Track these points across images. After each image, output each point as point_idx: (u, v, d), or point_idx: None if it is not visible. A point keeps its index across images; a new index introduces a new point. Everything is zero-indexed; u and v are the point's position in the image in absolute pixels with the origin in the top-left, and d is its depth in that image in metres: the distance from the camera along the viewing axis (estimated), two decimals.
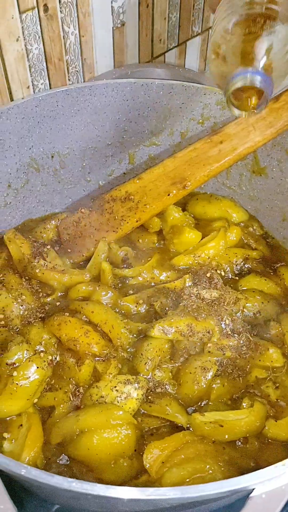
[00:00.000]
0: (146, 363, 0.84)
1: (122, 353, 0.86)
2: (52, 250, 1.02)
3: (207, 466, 0.74)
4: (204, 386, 0.83)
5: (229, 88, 0.71)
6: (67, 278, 0.98)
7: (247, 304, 0.92)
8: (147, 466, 0.74)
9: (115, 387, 0.80)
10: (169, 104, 1.07)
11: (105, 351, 0.85)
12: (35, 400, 0.82)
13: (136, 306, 0.93)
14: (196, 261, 1.00)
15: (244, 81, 0.69)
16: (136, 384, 0.80)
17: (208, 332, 0.85)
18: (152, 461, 0.74)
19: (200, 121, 1.09)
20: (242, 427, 0.78)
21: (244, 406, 0.81)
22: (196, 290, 0.91)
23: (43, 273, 0.98)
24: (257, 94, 0.73)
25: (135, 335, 0.88)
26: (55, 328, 0.88)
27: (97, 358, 0.84)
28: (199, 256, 1.00)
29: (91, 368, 0.83)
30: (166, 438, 0.76)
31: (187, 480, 0.73)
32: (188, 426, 0.79)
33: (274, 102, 0.97)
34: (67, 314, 0.90)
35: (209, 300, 0.91)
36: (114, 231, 1.02)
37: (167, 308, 0.90)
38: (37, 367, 0.81)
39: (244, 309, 0.92)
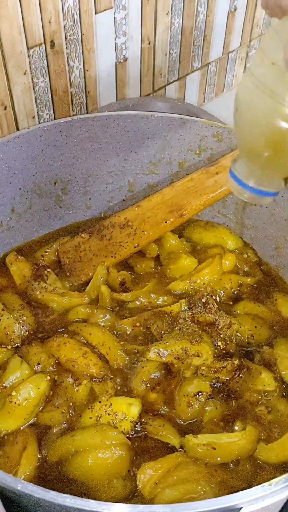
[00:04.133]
0: (140, 385, 0.86)
1: (118, 375, 0.88)
2: (52, 273, 1.05)
3: (199, 487, 0.75)
4: (198, 408, 0.85)
5: None
6: (66, 300, 1.01)
7: (241, 328, 0.95)
8: (140, 487, 0.75)
9: (110, 408, 0.82)
10: (168, 136, 1.12)
11: (102, 372, 0.87)
12: (32, 420, 0.83)
13: (132, 329, 0.95)
14: (191, 287, 1.03)
15: None
16: (131, 406, 0.82)
17: (202, 356, 0.87)
18: (145, 481, 0.75)
19: (197, 152, 1.13)
20: (234, 450, 0.80)
21: (237, 429, 0.83)
22: (191, 314, 0.94)
23: (43, 295, 1.01)
24: None
25: (131, 357, 0.91)
26: (54, 349, 0.90)
27: (94, 379, 0.87)
28: (194, 282, 1.03)
29: (88, 389, 0.85)
30: (159, 459, 0.78)
31: (180, 501, 0.74)
32: (180, 447, 0.81)
33: None
34: (66, 335, 0.93)
35: (204, 324, 0.94)
36: (112, 256, 1.06)
37: (162, 332, 0.92)
38: (35, 387, 0.84)
39: (238, 333, 0.95)
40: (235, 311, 1.01)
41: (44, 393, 0.84)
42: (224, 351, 0.92)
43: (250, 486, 0.76)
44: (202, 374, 0.87)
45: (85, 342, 0.92)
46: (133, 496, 0.77)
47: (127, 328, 0.96)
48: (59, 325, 0.99)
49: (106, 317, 0.97)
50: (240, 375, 0.87)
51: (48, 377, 0.86)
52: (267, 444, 0.82)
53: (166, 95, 1.44)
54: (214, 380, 0.87)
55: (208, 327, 0.94)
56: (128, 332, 0.96)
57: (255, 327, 0.97)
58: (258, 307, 1.02)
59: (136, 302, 1.01)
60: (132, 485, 0.77)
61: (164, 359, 0.87)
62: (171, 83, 1.44)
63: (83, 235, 1.10)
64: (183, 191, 1.06)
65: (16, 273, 1.05)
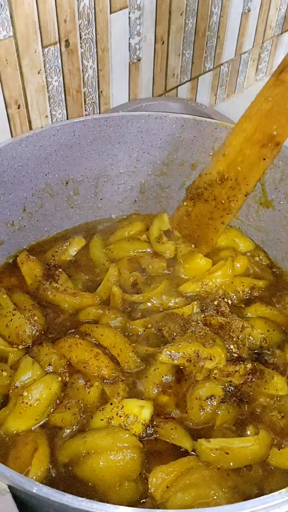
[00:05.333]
0: (152, 387, 0.86)
1: (130, 377, 0.88)
2: (63, 273, 1.05)
3: (212, 492, 0.75)
4: (210, 412, 0.84)
5: None
6: (78, 300, 1.00)
7: (253, 332, 0.94)
8: (152, 490, 0.75)
9: (122, 410, 0.81)
10: (181, 137, 1.12)
11: (113, 374, 0.86)
12: (44, 421, 0.83)
13: (144, 330, 0.95)
14: (203, 289, 1.03)
15: None
16: (143, 409, 0.81)
17: (214, 359, 0.87)
18: (157, 485, 0.75)
19: (211, 153, 1.12)
20: (247, 455, 0.79)
21: (249, 434, 0.82)
22: (204, 317, 0.93)
23: (55, 295, 1.00)
24: None
25: (142, 359, 0.90)
26: (66, 350, 0.90)
27: (106, 381, 0.86)
28: (206, 284, 1.03)
29: (99, 390, 0.85)
30: (171, 462, 0.77)
31: (192, 505, 0.74)
32: (192, 451, 0.80)
33: None
34: (77, 336, 0.92)
35: (216, 327, 0.93)
36: (228, 213, 0.99)
37: (174, 334, 0.92)
38: (47, 388, 0.83)
39: (250, 337, 0.94)
40: (247, 314, 1.01)
41: (55, 394, 0.84)
42: (236, 355, 0.91)
43: (262, 491, 0.77)
44: (215, 378, 0.86)
45: (97, 343, 0.92)
46: (144, 498, 0.76)
47: (139, 329, 0.95)
48: (70, 326, 0.98)
49: (118, 319, 0.96)
50: (253, 379, 0.87)
51: (60, 378, 0.86)
52: (279, 449, 0.81)
53: (178, 95, 1.44)
54: (226, 384, 0.87)
55: (221, 330, 0.93)
56: (139, 333, 0.95)
57: (268, 330, 0.96)
58: (270, 310, 1.01)
59: (148, 303, 1.01)
60: (143, 487, 0.77)
61: (176, 361, 0.87)
62: (183, 83, 1.43)
63: (185, 203, 1.04)
64: (264, 116, 0.87)
65: (27, 273, 1.05)
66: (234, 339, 0.93)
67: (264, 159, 0.90)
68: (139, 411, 0.81)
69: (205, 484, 0.75)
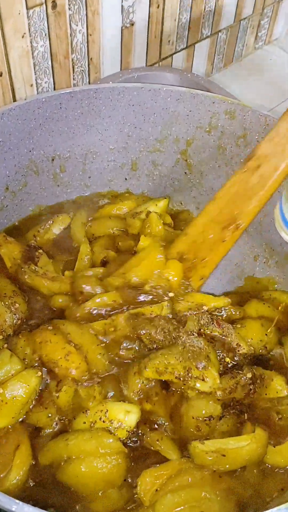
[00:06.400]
0: (133, 395, 0.79)
1: (109, 379, 0.81)
2: (44, 254, 0.98)
3: (203, 493, 0.72)
4: (206, 432, 0.79)
5: None
6: (56, 285, 0.93)
7: (252, 340, 0.87)
8: (141, 495, 0.71)
9: (106, 415, 0.75)
10: (176, 111, 1.04)
11: (85, 377, 0.78)
12: (21, 418, 0.77)
13: (114, 331, 0.85)
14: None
15: None
16: (129, 414, 0.75)
17: (207, 382, 0.79)
18: (146, 489, 0.71)
19: (207, 129, 1.05)
20: (244, 456, 0.75)
21: (244, 431, 0.78)
22: (198, 327, 0.85)
23: (33, 279, 0.93)
24: None
25: (114, 362, 0.83)
26: (37, 345, 0.81)
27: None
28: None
29: (69, 395, 0.77)
30: (160, 465, 0.73)
31: (182, 507, 0.70)
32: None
33: None
34: (51, 328, 0.83)
35: (210, 337, 0.86)
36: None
37: (155, 342, 0.83)
38: (25, 385, 0.77)
39: (251, 347, 0.87)
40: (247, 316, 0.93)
41: (34, 391, 0.77)
42: (231, 364, 0.85)
43: (257, 493, 0.73)
44: (218, 400, 0.79)
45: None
46: (129, 504, 0.72)
47: (100, 330, 0.85)
48: (49, 313, 0.92)
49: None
50: (255, 389, 0.81)
51: (40, 373, 0.78)
52: (274, 447, 0.78)
53: (173, 64, 1.35)
54: (230, 400, 0.81)
55: (214, 340, 0.86)
56: (105, 338, 0.85)
57: (266, 334, 0.89)
58: (268, 307, 0.95)
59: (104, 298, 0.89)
60: (128, 494, 0.73)
61: (162, 376, 0.79)
62: (179, 51, 1.34)
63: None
64: (229, 200, 0.90)
65: (6, 255, 0.97)
66: (228, 351, 0.86)
67: (223, 240, 0.91)
68: (124, 417, 0.75)
69: (196, 486, 0.72)
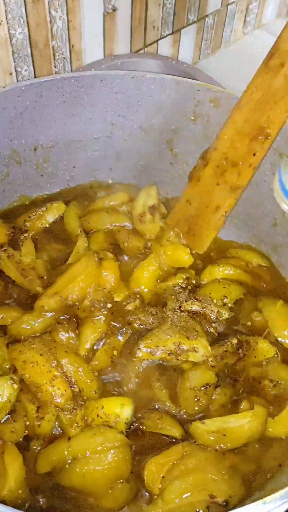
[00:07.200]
0: (131, 382, 0.81)
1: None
2: (29, 239, 0.95)
3: (209, 476, 0.72)
4: (206, 402, 0.80)
5: None
6: (25, 282, 0.89)
7: (211, 294, 0.90)
8: (149, 485, 0.71)
9: (102, 411, 0.75)
10: (160, 99, 1.02)
11: (68, 406, 0.75)
12: None
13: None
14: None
15: None
16: (124, 407, 0.76)
17: (199, 351, 0.82)
18: (154, 478, 0.71)
19: (192, 118, 1.03)
20: (245, 433, 0.76)
21: (242, 408, 0.79)
22: (179, 305, 0.87)
23: (5, 265, 0.90)
24: None
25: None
26: (19, 363, 0.77)
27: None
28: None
29: (52, 422, 0.75)
30: (164, 452, 0.73)
31: (190, 493, 0.70)
32: (182, 438, 0.76)
33: None
34: (34, 346, 0.78)
35: (192, 313, 0.87)
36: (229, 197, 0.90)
37: (146, 325, 0.86)
38: None
39: (214, 300, 0.90)
40: (203, 280, 0.96)
41: (8, 401, 0.74)
42: (217, 334, 0.88)
43: (260, 467, 0.75)
44: (213, 367, 0.82)
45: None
46: (138, 495, 0.73)
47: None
48: (26, 301, 0.89)
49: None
50: (244, 353, 0.84)
51: (16, 386, 0.75)
52: (273, 418, 0.78)
53: (159, 51, 1.32)
54: (223, 366, 0.83)
55: (196, 315, 0.88)
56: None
57: (224, 287, 0.92)
58: (217, 266, 0.97)
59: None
60: (136, 486, 0.73)
61: (156, 356, 0.81)
62: (164, 37, 1.31)
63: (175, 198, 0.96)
64: (254, 108, 0.81)
65: None
66: (211, 322, 0.88)
67: (254, 154, 0.83)
68: (121, 410, 0.75)
69: (202, 469, 0.72)
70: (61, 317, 0.85)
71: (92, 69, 1.03)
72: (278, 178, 0.64)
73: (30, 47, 1.00)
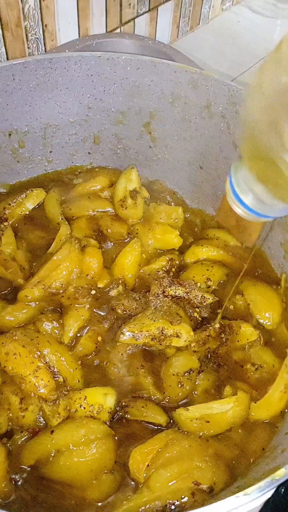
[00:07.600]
0: (115, 369, 0.81)
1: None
2: (9, 228, 0.94)
3: (194, 463, 0.72)
4: (189, 388, 0.80)
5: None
6: (7, 273, 0.88)
7: (194, 278, 0.90)
8: (134, 473, 0.71)
9: (85, 401, 0.75)
10: (137, 81, 0.99)
11: (52, 396, 0.75)
12: None
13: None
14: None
15: None
16: (107, 397, 0.76)
17: (181, 336, 0.81)
18: (138, 467, 0.71)
19: (170, 100, 1.01)
20: (228, 419, 0.77)
21: (225, 394, 0.80)
22: (162, 290, 0.86)
23: None
24: None
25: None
26: (2, 355, 0.76)
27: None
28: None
29: (36, 413, 0.75)
30: (148, 440, 0.73)
31: (175, 481, 0.70)
32: (167, 425, 0.77)
33: None
34: (16, 338, 0.77)
35: (176, 297, 0.87)
36: None
37: (129, 311, 0.85)
38: None
39: (198, 284, 0.90)
40: (187, 260, 0.97)
41: None
42: (200, 319, 0.87)
43: (244, 452, 0.75)
44: (195, 351, 0.82)
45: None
46: (124, 485, 0.72)
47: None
48: (10, 294, 0.88)
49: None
50: (227, 337, 0.84)
51: None
52: (255, 403, 0.79)
53: (135, 29, 1.29)
54: (206, 351, 0.83)
55: (179, 300, 0.87)
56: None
57: (207, 269, 0.92)
58: (201, 247, 0.97)
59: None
60: (120, 476, 0.73)
61: (139, 340, 0.80)
62: (141, 15, 1.28)
63: None
64: None
65: None
66: (194, 307, 0.88)
67: None
68: (104, 400, 0.75)
69: (186, 456, 0.72)
70: (45, 309, 0.85)
71: (67, 50, 1.00)
72: (229, 180, 0.63)
73: (1, 28, 0.97)
